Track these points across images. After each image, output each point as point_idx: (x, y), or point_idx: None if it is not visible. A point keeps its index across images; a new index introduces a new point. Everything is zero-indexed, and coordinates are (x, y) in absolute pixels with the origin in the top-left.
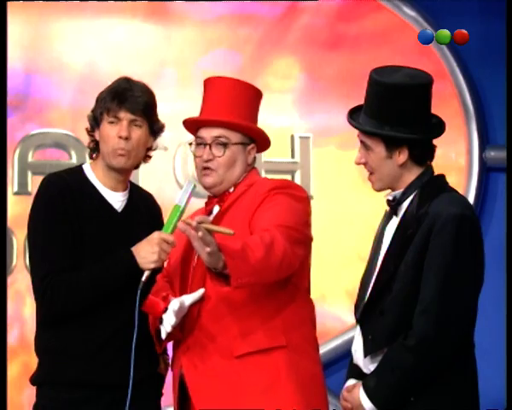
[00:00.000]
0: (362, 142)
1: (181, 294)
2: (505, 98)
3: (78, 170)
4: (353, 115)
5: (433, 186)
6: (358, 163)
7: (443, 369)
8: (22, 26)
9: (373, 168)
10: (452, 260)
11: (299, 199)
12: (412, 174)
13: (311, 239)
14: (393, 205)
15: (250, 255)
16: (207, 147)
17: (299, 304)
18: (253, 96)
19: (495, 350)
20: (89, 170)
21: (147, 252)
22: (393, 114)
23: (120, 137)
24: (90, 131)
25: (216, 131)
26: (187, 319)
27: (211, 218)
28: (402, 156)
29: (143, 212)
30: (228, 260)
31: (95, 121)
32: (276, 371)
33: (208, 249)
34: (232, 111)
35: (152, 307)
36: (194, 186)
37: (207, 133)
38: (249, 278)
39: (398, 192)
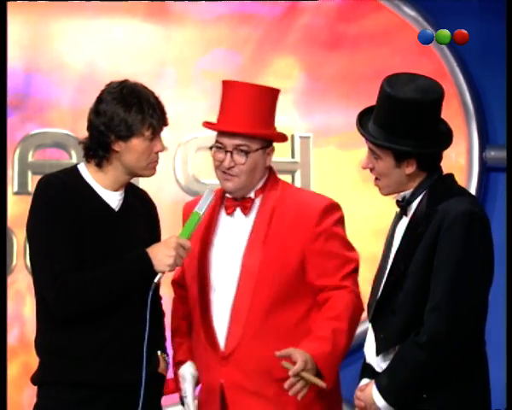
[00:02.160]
0: (370, 149)
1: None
2: (505, 98)
3: (74, 170)
4: (362, 120)
5: (442, 185)
6: (365, 168)
7: (456, 365)
8: (22, 26)
9: (380, 175)
10: (462, 257)
11: (343, 220)
12: (420, 178)
13: None
14: (403, 205)
15: (339, 350)
16: (228, 154)
17: None
18: (271, 99)
19: (495, 350)
20: (84, 170)
21: (163, 255)
22: (404, 128)
23: (157, 152)
24: (100, 143)
25: (237, 140)
26: (229, 332)
27: (237, 225)
28: (410, 167)
29: (140, 210)
30: (323, 369)
31: (120, 135)
32: (308, 400)
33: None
34: (252, 119)
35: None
36: (214, 195)
37: (229, 141)
38: (338, 366)
39: (408, 192)
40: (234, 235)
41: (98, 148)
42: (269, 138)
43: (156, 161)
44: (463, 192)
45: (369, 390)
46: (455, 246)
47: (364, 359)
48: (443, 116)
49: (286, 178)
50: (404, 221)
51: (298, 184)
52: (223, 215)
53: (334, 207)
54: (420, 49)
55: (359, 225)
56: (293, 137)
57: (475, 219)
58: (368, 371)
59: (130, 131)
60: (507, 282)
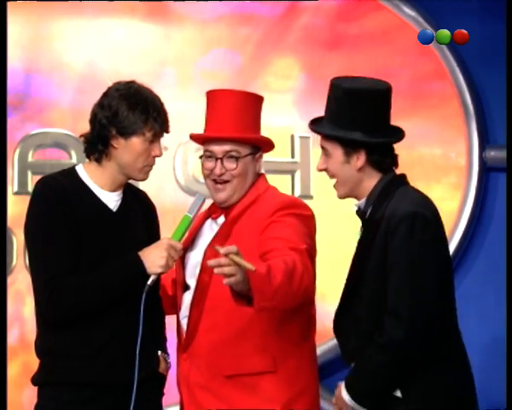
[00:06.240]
0: (322, 147)
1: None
2: (505, 98)
3: (72, 172)
4: (316, 123)
5: (390, 188)
6: (320, 169)
7: (430, 361)
8: (22, 26)
9: (334, 174)
10: (409, 258)
11: (306, 218)
12: (373, 180)
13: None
14: (360, 214)
15: (273, 280)
16: (219, 161)
17: (297, 322)
18: (255, 105)
19: (495, 350)
20: (82, 171)
21: (155, 256)
22: (350, 119)
23: (155, 157)
24: (101, 137)
25: (227, 146)
26: (187, 327)
27: (217, 229)
28: (359, 161)
29: (138, 210)
30: (253, 284)
31: (121, 132)
32: (262, 395)
33: (233, 279)
34: (239, 125)
35: None
36: (204, 200)
37: (218, 148)
38: (271, 303)
39: (362, 202)
40: (211, 238)
41: (98, 141)
42: (257, 144)
43: (151, 166)
44: (409, 193)
45: (339, 390)
46: (401, 248)
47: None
48: (442, 116)
49: (286, 178)
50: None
51: (298, 184)
52: (209, 219)
53: (295, 204)
54: (420, 49)
55: (359, 224)
56: (293, 137)
57: (418, 219)
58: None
59: (132, 129)
60: (507, 282)
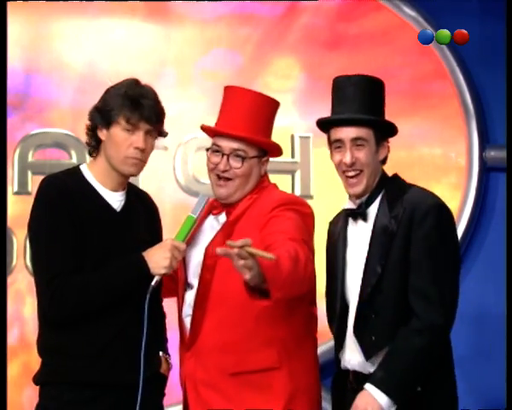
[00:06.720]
0: (354, 139)
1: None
2: (505, 98)
3: (76, 171)
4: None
5: (395, 185)
6: (351, 162)
7: (426, 377)
8: (22, 26)
9: (364, 165)
10: (439, 246)
11: (305, 215)
12: (379, 174)
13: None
14: (361, 211)
15: (282, 269)
16: (225, 157)
17: (300, 319)
18: (270, 109)
19: (495, 350)
20: (86, 171)
21: (159, 257)
22: (381, 107)
23: (136, 148)
24: (92, 130)
25: (235, 144)
26: (191, 325)
27: (219, 227)
28: (384, 152)
29: (141, 211)
30: (268, 276)
31: (103, 121)
32: (266, 392)
33: (251, 273)
34: (251, 125)
35: None
36: (207, 200)
37: (226, 144)
38: (283, 291)
39: (363, 199)
40: (212, 236)
41: (92, 135)
42: (266, 147)
43: (136, 159)
44: (418, 187)
45: (364, 394)
46: (431, 237)
47: (337, 374)
48: (442, 116)
49: (286, 178)
50: (362, 226)
51: (298, 184)
52: (210, 216)
53: (294, 201)
54: (420, 49)
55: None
56: (293, 137)
57: (444, 210)
58: (348, 382)
59: (109, 117)
60: (507, 282)
